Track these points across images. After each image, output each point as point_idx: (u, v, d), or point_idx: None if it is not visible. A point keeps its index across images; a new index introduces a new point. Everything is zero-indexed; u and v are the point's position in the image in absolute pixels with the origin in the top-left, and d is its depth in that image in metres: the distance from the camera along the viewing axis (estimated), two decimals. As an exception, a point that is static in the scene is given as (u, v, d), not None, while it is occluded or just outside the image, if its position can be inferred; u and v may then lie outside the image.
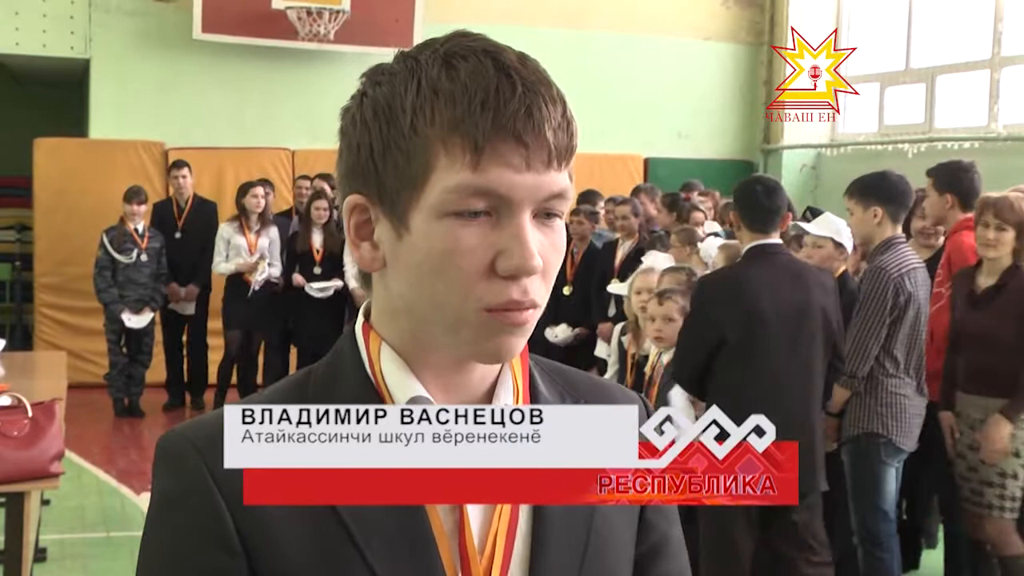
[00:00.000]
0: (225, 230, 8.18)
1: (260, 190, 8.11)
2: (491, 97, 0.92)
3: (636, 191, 8.16)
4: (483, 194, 0.92)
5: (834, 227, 4.73)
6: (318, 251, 8.02)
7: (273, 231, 8.19)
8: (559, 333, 7.14)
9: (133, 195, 8.02)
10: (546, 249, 0.95)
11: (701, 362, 3.89)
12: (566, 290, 7.20)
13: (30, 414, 3.72)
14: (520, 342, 0.97)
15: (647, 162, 10.61)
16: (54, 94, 11.24)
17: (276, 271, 8.10)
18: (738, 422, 3.19)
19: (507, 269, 0.93)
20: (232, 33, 9.22)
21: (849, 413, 4.26)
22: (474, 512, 0.98)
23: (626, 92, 10.48)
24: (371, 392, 0.99)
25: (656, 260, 5.07)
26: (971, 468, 4.15)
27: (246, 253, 8.03)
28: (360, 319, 1.04)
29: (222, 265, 8.10)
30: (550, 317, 6.93)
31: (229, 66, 9.43)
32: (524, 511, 1.01)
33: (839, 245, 4.67)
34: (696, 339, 3.93)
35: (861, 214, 4.35)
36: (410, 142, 0.94)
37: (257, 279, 8.03)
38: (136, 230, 8.02)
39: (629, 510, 1.07)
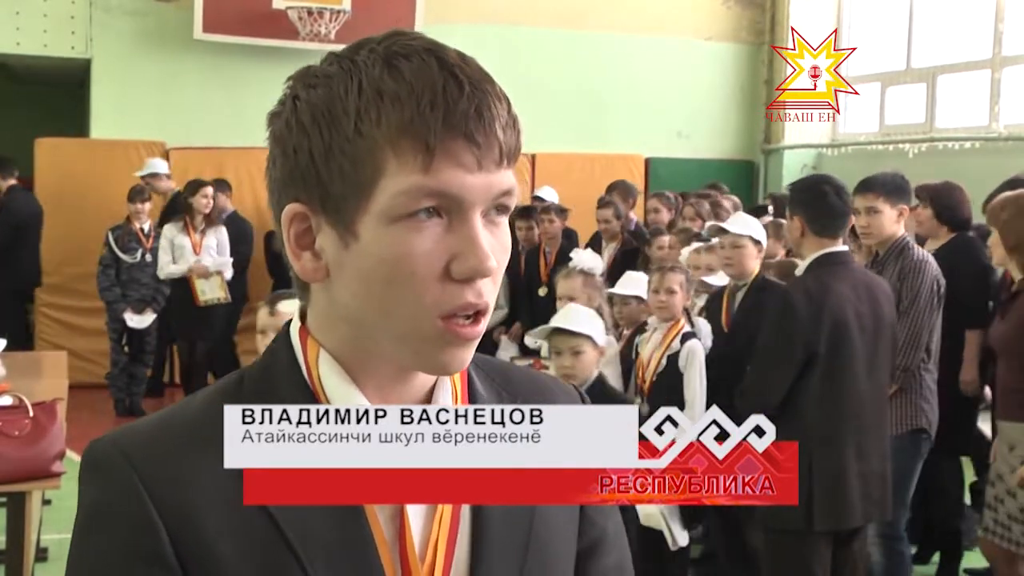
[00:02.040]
0: (169, 230, 7.84)
1: (210, 190, 7.86)
2: (439, 97, 0.89)
3: (611, 189, 8.14)
4: (435, 195, 0.90)
5: (752, 225, 4.69)
6: None
7: (222, 231, 7.95)
8: (538, 337, 7.08)
9: (136, 194, 7.98)
10: (496, 250, 0.93)
11: (791, 382, 3.60)
12: (541, 291, 7.02)
13: (31, 414, 3.72)
14: (470, 354, 0.96)
15: (647, 162, 10.61)
16: (55, 94, 11.23)
17: (228, 273, 7.95)
18: (817, 449, 3.07)
19: (462, 272, 0.91)
20: (233, 33, 9.22)
21: (894, 410, 4.13)
22: (415, 519, 0.98)
23: (626, 92, 10.48)
24: (309, 399, 0.97)
25: (581, 259, 4.77)
26: (1005, 496, 3.92)
27: (190, 255, 7.75)
28: (296, 322, 1.02)
29: (171, 267, 7.75)
30: (528, 320, 6.80)
31: (230, 66, 9.42)
32: (465, 516, 1.00)
33: (757, 242, 4.64)
34: (787, 355, 3.61)
35: (890, 211, 4.30)
36: (355, 146, 0.90)
37: (207, 296, 7.75)
38: (142, 229, 7.97)
39: (570, 508, 1.06)
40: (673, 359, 4.40)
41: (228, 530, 0.91)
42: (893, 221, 4.30)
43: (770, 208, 7.48)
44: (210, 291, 7.80)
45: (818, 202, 3.71)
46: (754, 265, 4.65)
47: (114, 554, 0.91)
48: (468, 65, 0.92)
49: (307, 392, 0.97)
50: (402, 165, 0.90)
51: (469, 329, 0.93)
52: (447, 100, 0.89)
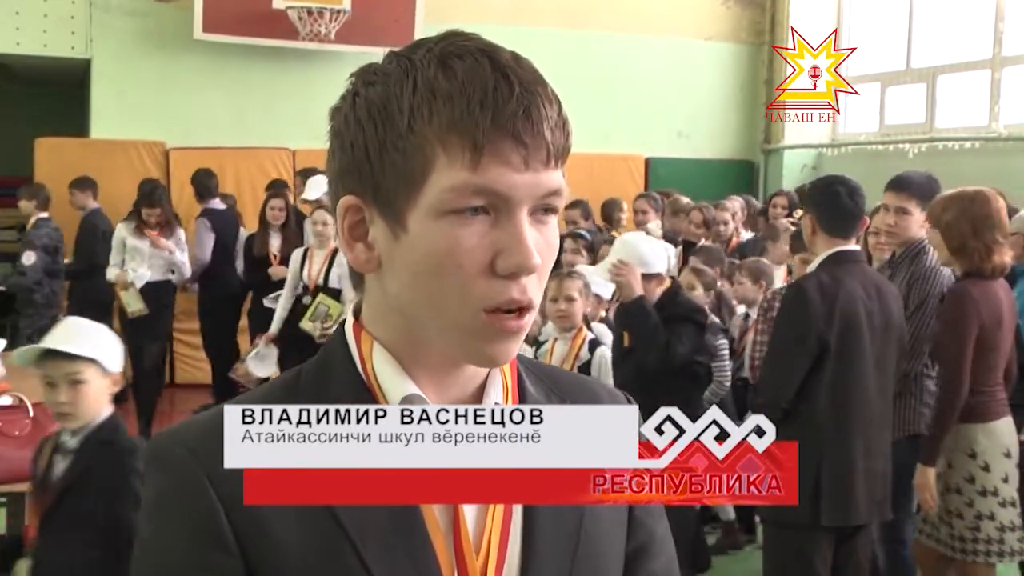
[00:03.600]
0: (121, 231, 7.41)
1: (157, 211, 7.35)
2: (489, 96, 0.91)
3: None
4: (482, 193, 0.92)
5: (636, 253, 4.33)
6: (275, 256, 7.30)
7: (180, 233, 7.61)
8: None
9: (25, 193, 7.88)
10: (542, 247, 0.95)
11: (804, 375, 3.58)
12: None
13: (31, 414, 3.73)
14: (516, 347, 0.97)
15: (647, 162, 10.61)
16: (54, 94, 11.23)
17: (186, 272, 7.63)
18: (827, 444, 3.05)
19: (507, 268, 0.93)
20: (232, 33, 9.21)
21: (894, 414, 4.05)
22: (469, 510, 0.99)
23: (626, 92, 10.48)
24: (363, 392, 0.99)
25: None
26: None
27: (140, 257, 7.39)
28: (350, 318, 1.04)
29: (111, 271, 7.38)
30: None
31: (229, 66, 9.43)
32: (517, 510, 1.01)
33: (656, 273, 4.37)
34: (799, 348, 3.60)
35: (919, 215, 4.21)
36: (407, 141, 0.93)
37: (132, 307, 7.29)
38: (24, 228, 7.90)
39: (618, 508, 1.07)
40: (583, 369, 4.28)
41: (286, 518, 0.94)
42: (919, 225, 4.25)
43: (777, 202, 7.49)
44: (133, 303, 7.37)
45: (831, 202, 3.71)
46: (654, 288, 4.38)
47: (179, 540, 0.95)
48: (520, 66, 0.94)
49: (361, 385, 1.00)
50: (451, 161, 0.92)
51: (514, 323, 0.94)
52: (497, 100, 0.91)
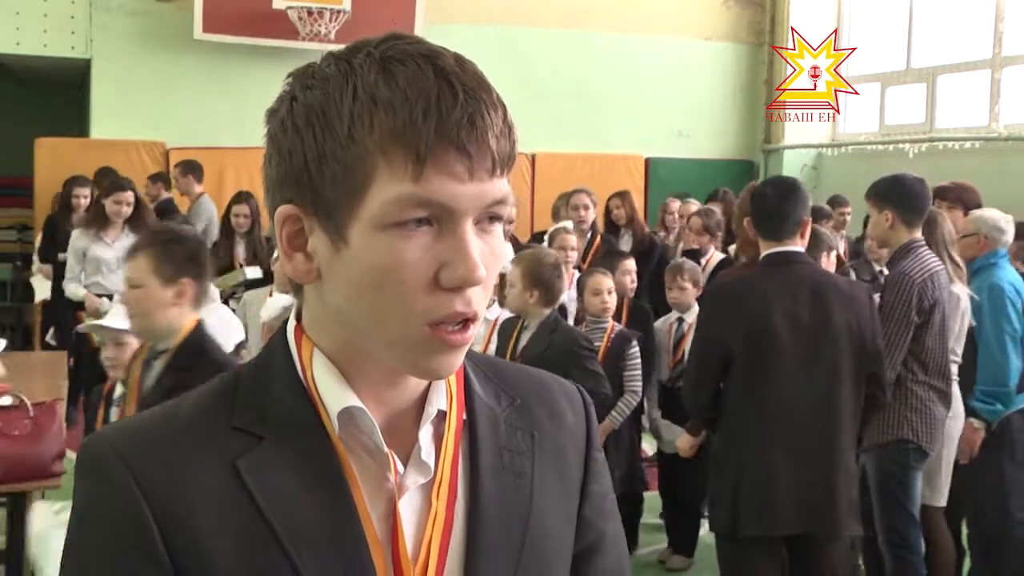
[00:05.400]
0: (80, 240, 6.50)
1: (130, 196, 6.43)
2: (433, 105, 0.89)
3: None
4: (425, 205, 0.89)
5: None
6: (240, 265, 6.64)
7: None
8: None
9: None
10: (487, 257, 0.93)
11: (715, 383, 3.60)
12: None
13: (31, 414, 3.73)
14: (459, 360, 0.95)
15: (647, 162, 10.62)
16: (55, 94, 11.24)
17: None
18: (742, 451, 3.06)
19: (451, 281, 0.91)
20: (233, 33, 9.22)
21: (878, 420, 4.05)
22: (408, 519, 0.97)
23: (626, 92, 10.49)
24: (303, 399, 0.97)
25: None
26: None
27: (105, 268, 6.41)
28: (292, 321, 1.02)
29: (71, 285, 6.49)
30: None
31: (230, 66, 9.43)
32: (459, 517, 0.99)
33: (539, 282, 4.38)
34: (705, 356, 3.65)
35: (876, 217, 4.23)
36: (348, 151, 0.90)
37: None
38: None
39: (567, 509, 1.07)
40: None
41: (220, 528, 0.91)
42: (880, 226, 4.23)
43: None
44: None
45: (758, 204, 3.74)
46: (533, 311, 4.40)
47: (107, 550, 0.92)
48: (464, 71, 0.91)
49: (301, 392, 0.97)
50: (393, 173, 0.89)
51: (458, 336, 0.93)
52: (440, 109, 0.89)
